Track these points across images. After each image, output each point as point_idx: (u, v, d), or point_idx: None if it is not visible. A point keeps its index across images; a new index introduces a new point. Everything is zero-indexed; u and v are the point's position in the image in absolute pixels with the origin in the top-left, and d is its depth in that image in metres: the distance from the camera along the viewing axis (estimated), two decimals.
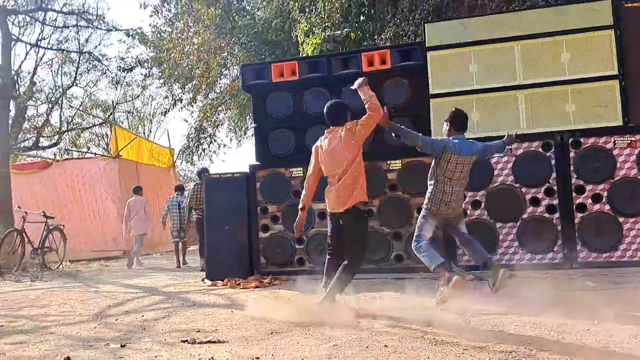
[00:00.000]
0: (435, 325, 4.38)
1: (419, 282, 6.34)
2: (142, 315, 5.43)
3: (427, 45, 7.39)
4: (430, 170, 5.45)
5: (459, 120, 5.42)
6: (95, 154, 24.29)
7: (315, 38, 12.34)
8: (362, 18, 12.94)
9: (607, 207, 6.72)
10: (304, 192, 5.39)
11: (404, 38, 11.37)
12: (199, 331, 4.52)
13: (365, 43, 12.40)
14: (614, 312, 4.49)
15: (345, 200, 5.03)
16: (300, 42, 13.12)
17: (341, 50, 11.71)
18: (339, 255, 5.18)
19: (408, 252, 7.19)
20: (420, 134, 5.47)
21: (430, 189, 5.41)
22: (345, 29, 12.18)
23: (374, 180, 6.94)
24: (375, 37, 12.14)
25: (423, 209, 5.47)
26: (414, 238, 5.36)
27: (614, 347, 3.55)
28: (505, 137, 5.52)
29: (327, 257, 5.31)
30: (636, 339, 3.70)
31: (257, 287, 7.02)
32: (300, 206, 5.37)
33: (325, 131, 5.32)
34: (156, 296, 6.82)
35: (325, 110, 5.33)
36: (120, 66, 19.67)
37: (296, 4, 13.77)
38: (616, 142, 6.74)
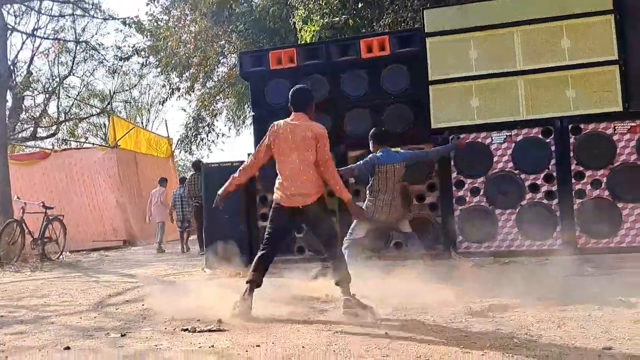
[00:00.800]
0: (436, 312, 4.39)
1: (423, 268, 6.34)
2: (143, 305, 5.43)
3: (426, 31, 7.34)
4: (369, 185, 6.12)
5: (380, 137, 6.18)
6: (94, 144, 24.24)
7: (314, 25, 12.25)
8: (360, 5, 12.82)
9: (607, 192, 6.70)
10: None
11: (403, 24, 11.29)
12: (199, 320, 4.51)
13: (363, 30, 12.31)
14: (614, 297, 4.50)
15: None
16: (298, 29, 13.03)
17: (340, 37, 11.64)
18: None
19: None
20: (354, 165, 6.24)
21: (368, 198, 6.11)
22: (344, 16, 12.09)
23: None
24: (374, 23, 12.07)
25: None
26: (347, 236, 6.10)
27: (615, 332, 3.55)
28: (452, 142, 6.45)
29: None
30: (637, 325, 3.70)
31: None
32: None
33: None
34: (156, 285, 6.82)
35: (291, 95, 4.92)
36: (117, 55, 19.61)
37: None
38: (616, 127, 6.71)
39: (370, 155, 6.13)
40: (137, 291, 6.42)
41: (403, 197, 6.46)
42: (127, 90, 28.85)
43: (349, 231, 6.12)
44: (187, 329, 4.16)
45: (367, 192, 6.14)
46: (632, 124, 6.66)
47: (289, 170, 4.80)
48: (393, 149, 6.20)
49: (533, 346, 3.30)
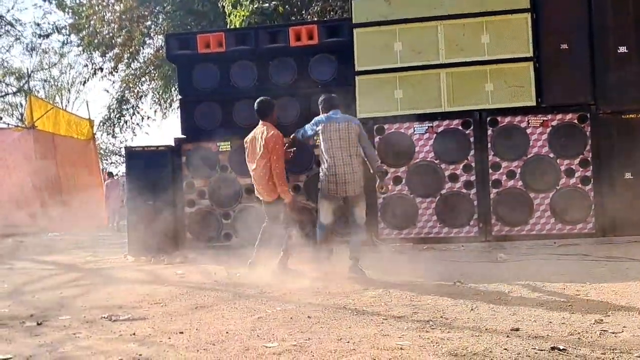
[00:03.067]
0: (358, 296, 4.52)
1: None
2: (60, 292, 5.28)
3: (354, 22, 7.45)
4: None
5: (327, 102, 5.76)
6: (9, 124, 22.99)
7: (243, 10, 12.14)
8: None
9: (520, 183, 7.09)
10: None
11: (332, 13, 11.41)
12: (120, 307, 4.45)
13: (293, 17, 12.33)
14: (523, 282, 4.79)
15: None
16: (227, 14, 12.86)
17: (269, 23, 11.59)
18: None
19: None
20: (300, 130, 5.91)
21: (321, 170, 5.67)
22: (274, 2, 12.04)
23: (301, 155, 6.98)
24: (304, 11, 12.10)
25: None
26: (317, 224, 5.75)
27: (522, 314, 3.79)
28: (378, 170, 5.81)
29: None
30: (542, 306, 3.96)
31: (182, 262, 6.96)
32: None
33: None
34: (75, 273, 6.63)
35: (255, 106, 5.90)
36: (35, 32, 18.64)
37: None
38: (530, 121, 7.09)
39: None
40: (55, 279, 6.22)
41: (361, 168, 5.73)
42: (46, 69, 27.54)
43: (318, 219, 5.78)
44: (107, 317, 4.10)
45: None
46: (544, 118, 7.06)
47: (255, 174, 5.73)
48: None
49: (448, 329, 3.48)
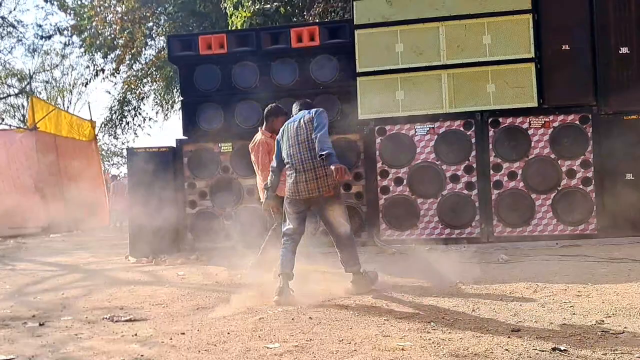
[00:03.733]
0: (359, 297, 4.52)
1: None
2: (62, 293, 5.29)
3: (355, 23, 7.46)
4: None
5: (274, 111, 5.61)
6: (11, 125, 23.04)
7: (245, 11, 12.16)
8: None
9: (522, 184, 7.09)
10: None
11: (333, 14, 11.41)
12: (122, 308, 4.46)
13: (294, 18, 12.34)
14: (524, 283, 4.79)
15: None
16: (229, 15, 12.88)
17: (271, 24, 11.60)
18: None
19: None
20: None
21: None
22: (275, 3, 12.06)
23: None
24: (305, 12, 12.10)
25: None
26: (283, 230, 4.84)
27: (524, 315, 3.79)
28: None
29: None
30: (544, 307, 3.96)
31: (183, 263, 6.97)
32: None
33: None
34: (77, 273, 6.64)
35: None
36: (37, 33, 18.66)
37: None
38: (531, 122, 7.09)
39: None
40: (57, 279, 6.23)
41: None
42: (48, 71, 27.55)
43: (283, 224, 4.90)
44: (109, 317, 4.10)
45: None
46: (546, 119, 7.06)
47: None
48: None
49: (449, 329, 3.48)
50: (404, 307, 4.15)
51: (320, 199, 4.62)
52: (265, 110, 5.77)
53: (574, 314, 3.75)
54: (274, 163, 4.93)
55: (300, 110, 4.98)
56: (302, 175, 4.60)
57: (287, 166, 4.75)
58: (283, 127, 4.91)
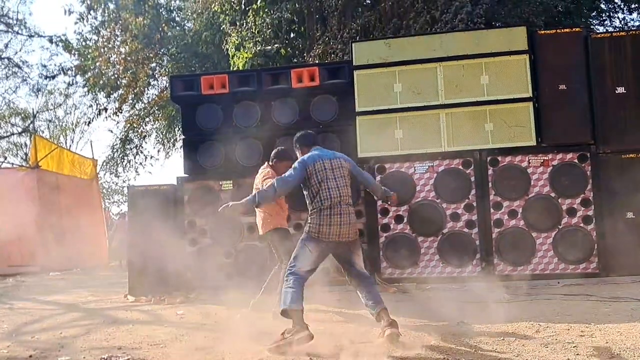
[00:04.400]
0: (360, 337, 4.48)
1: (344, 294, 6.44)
2: (60, 333, 5.24)
3: (354, 64, 7.58)
4: (307, 198, 4.63)
5: (305, 139, 4.93)
6: (13, 164, 23.15)
7: (246, 52, 12.39)
8: (292, 35, 13.10)
9: (522, 222, 7.08)
10: None
11: (332, 55, 11.61)
12: (120, 348, 4.41)
13: (295, 59, 12.56)
14: (527, 322, 4.75)
15: None
16: (231, 56, 13.11)
17: (272, 65, 11.80)
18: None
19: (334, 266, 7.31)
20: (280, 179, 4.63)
21: (309, 216, 4.57)
22: (276, 45, 12.29)
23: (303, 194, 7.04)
24: (305, 54, 12.33)
25: (304, 233, 4.60)
26: (289, 265, 4.54)
27: (527, 355, 3.75)
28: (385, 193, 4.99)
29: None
30: (547, 347, 3.92)
31: (182, 302, 6.91)
32: None
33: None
34: (76, 312, 6.58)
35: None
36: (42, 73, 18.94)
37: (227, 18, 13.77)
38: (530, 161, 7.14)
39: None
40: (55, 319, 6.18)
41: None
42: (51, 110, 27.83)
43: (291, 258, 4.57)
44: (106, 358, 4.05)
45: (309, 209, 4.58)
46: (545, 158, 7.10)
47: None
48: None
49: None
50: (404, 349, 4.10)
51: (349, 241, 4.51)
52: (275, 153, 5.91)
53: (577, 354, 3.71)
54: (284, 185, 4.53)
55: (314, 146, 4.79)
56: (338, 219, 4.43)
57: (317, 202, 4.46)
58: (309, 156, 4.62)
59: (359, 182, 4.94)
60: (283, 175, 4.61)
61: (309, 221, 4.51)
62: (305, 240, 4.47)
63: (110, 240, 16.66)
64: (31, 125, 24.22)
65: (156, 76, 17.87)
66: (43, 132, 27.94)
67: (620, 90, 7.11)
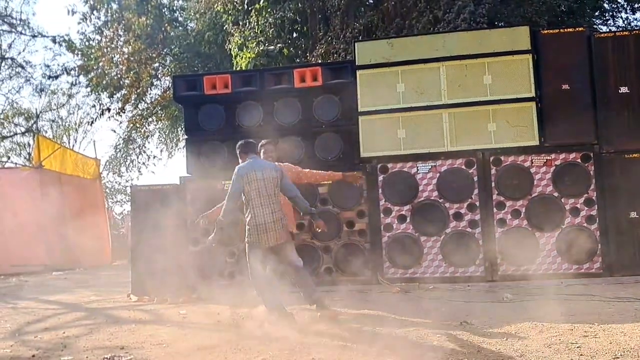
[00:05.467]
0: (362, 337, 4.48)
1: (348, 294, 6.44)
2: (63, 332, 5.24)
3: (357, 63, 7.57)
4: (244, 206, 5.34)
5: (245, 147, 5.55)
6: (16, 164, 23.20)
7: (249, 52, 12.39)
8: (294, 35, 13.11)
9: (525, 222, 7.07)
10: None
11: (335, 55, 11.61)
12: (122, 348, 4.41)
13: (297, 59, 12.56)
14: (530, 322, 4.74)
15: None
16: (233, 56, 13.12)
17: (274, 65, 11.80)
18: None
19: (337, 265, 7.31)
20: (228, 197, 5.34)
21: (247, 220, 5.30)
22: (279, 45, 12.30)
23: (306, 194, 7.06)
24: (307, 53, 12.33)
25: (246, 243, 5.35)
26: (249, 271, 5.29)
27: (530, 355, 3.74)
28: (311, 211, 5.49)
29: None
30: (550, 348, 3.91)
31: (185, 302, 6.91)
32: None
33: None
34: (78, 312, 6.58)
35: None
36: (45, 73, 18.98)
37: (229, 17, 13.78)
38: (533, 160, 7.12)
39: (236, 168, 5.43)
40: (58, 318, 6.18)
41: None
42: (54, 110, 27.87)
43: (249, 267, 5.30)
44: (109, 358, 4.06)
45: (246, 216, 5.33)
46: (548, 158, 7.09)
47: None
48: None
49: None
50: (407, 348, 4.10)
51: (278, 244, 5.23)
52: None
53: (581, 355, 3.70)
54: (230, 199, 5.26)
55: (252, 153, 5.51)
56: (265, 230, 5.17)
57: (251, 210, 5.20)
58: (243, 167, 5.33)
59: (284, 193, 5.42)
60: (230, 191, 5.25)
61: (248, 229, 5.23)
62: (250, 248, 5.25)
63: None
64: (34, 125, 24.25)
65: (159, 76, 17.90)
66: (46, 132, 28.01)
67: (624, 90, 7.10)
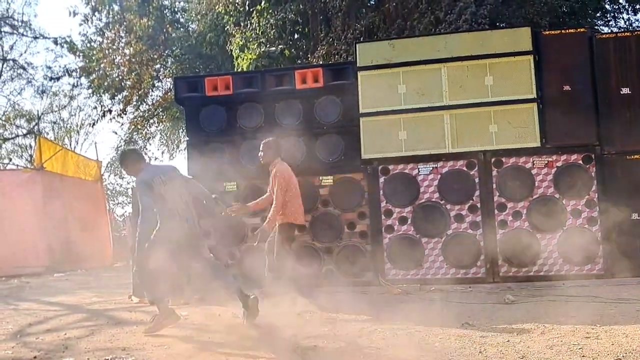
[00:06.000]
0: (365, 338, 4.47)
1: (348, 295, 6.43)
2: (65, 334, 5.24)
3: (358, 65, 7.57)
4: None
5: (136, 155, 5.53)
6: (18, 165, 23.24)
7: (250, 53, 12.40)
8: (296, 36, 13.11)
9: (526, 224, 7.06)
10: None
11: (336, 56, 11.62)
12: (124, 349, 4.41)
13: (299, 61, 12.57)
14: (531, 324, 4.73)
15: None
16: (235, 57, 13.13)
17: (275, 66, 11.80)
18: None
19: (338, 267, 7.31)
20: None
21: (157, 227, 5.22)
22: (280, 46, 12.30)
23: (307, 195, 7.08)
24: (309, 55, 12.33)
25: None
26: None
27: (532, 357, 3.74)
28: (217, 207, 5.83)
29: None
30: (552, 349, 3.90)
31: (186, 303, 6.91)
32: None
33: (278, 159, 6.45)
34: (80, 314, 6.58)
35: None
36: (47, 75, 19.02)
37: (231, 19, 13.79)
38: (534, 162, 7.11)
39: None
40: (60, 320, 6.19)
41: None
42: (56, 111, 27.92)
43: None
44: (110, 359, 4.05)
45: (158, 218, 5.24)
46: (549, 159, 7.08)
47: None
48: None
49: None
50: (408, 348, 4.09)
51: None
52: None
53: (583, 356, 3.69)
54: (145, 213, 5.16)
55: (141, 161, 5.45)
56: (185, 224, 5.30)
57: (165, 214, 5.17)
58: (142, 178, 5.22)
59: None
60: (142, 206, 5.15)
61: (158, 229, 5.21)
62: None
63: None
64: (36, 127, 24.31)
65: (160, 78, 17.93)
66: (48, 133, 28.06)
67: (625, 91, 7.08)
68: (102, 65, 16.85)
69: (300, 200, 6.47)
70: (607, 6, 15.15)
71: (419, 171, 7.28)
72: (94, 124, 20.63)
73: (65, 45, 18.14)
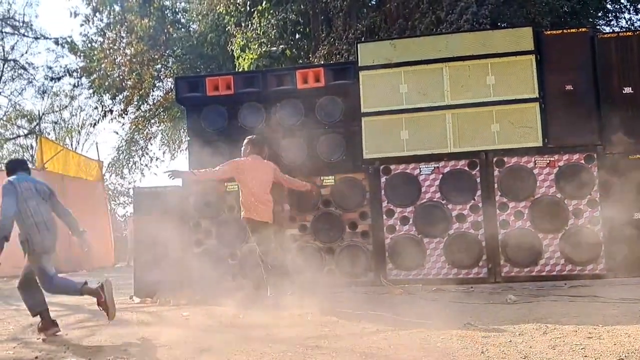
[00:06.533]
0: (367, 338, 4.46)
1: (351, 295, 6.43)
2: (66, 334, 5.24)
3: (359, 64, 7.56)
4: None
5: (9, 164, 5.79)
6: None
7: (251, 53, 12.40)
8: (297, 36, 13.11)
9: (528, 223, 7.04)
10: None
11: (338, 56, 11.61)
12: (125, 350, 4.40)
13: (300, 60, 12.56)
14: (533, 324, 4.72)
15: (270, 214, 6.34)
16: (236, 57, 13.13)
17: (276, 66, 11.80)
18: None
19: (340, 267, 7.30)
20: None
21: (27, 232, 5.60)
22: (281, 46, 12.30)
23: (308, 195, 7.10)
24: (310, 55, 12.33)
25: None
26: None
27: (534, 357, 3.72)
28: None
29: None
30: (554, 349, 3.89)
31: (188, 303, 6.90)
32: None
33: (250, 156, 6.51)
34: (81, 314, 6.58)
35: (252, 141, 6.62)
36: (47, 75, 19.03)
37: (232, 19, 13.79)
38: (536, 161, 7.10)
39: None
40: (61, 320, 6.17)
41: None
42: (57, 112, 27.95)
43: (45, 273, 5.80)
44: (111, 359, 4.05)
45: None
46: (551, 159, 7.06)
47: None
48: None
49: None
50: (411, 349, 4.08)
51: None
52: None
53: (585, 356, 3.68)
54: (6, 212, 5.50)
55: (19, 171, 5.63)
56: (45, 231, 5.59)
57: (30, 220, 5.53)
58: (19, 181, 5.49)
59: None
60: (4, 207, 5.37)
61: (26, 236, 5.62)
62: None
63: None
64: (37, 127, 24.35)
65: (161, 78, 17.94)
66: (49, 134, 28.12)
67: (627, 90, 7.06)
68: (103, 66, 16.86)
69: (258, 199, 6.31)
70: (608, 6, 15.14)
71: (420, 171, 7.27)
72: (95, 124, 20.65)
73: (66, 46, 18.19)
